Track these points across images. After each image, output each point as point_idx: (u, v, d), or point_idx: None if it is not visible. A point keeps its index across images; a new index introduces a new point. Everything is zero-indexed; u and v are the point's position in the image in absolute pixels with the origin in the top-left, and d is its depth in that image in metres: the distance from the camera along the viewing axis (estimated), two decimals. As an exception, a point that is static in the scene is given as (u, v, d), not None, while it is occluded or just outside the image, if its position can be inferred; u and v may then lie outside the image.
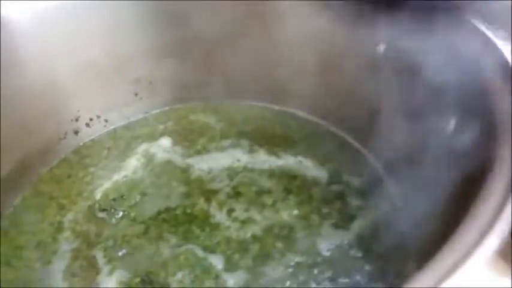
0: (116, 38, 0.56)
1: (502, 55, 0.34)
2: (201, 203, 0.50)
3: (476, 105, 0.33)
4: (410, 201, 0.47)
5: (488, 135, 0.30)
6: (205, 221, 0.48)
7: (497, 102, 0.31)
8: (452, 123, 0.37)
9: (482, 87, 0.33)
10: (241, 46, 0.60)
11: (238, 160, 0.55)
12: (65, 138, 0.57)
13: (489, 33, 0.36)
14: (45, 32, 0.49)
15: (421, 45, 0.42)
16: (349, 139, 0.57)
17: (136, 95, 0.62)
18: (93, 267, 0.43)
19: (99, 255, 0.44)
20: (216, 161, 0.55)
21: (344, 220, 0.47)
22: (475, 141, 0.34)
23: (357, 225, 0.46)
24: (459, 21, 0.38)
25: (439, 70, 0.40)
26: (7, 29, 0.45)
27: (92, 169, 0.55)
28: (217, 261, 0.43)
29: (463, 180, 0.34)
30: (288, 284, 0.41)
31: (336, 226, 0.46)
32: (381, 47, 0.47)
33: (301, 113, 0.62)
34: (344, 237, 0.45)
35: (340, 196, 0.49)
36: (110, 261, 0.44)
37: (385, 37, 0.46)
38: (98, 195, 0.51)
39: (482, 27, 0.37)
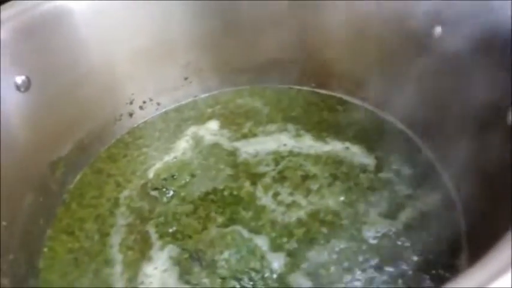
0: (166, 25, 0.57)
1: None
2: (247, 185, 0.51)
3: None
4: (464, 193, 0.45)
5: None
6: (251, 203, 0.49)
7: None
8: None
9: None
10: (287, 30, 0.60)
11: (285, 144, 0.55)
12: (120, 119, 0.60)
13: None
14: (103, 21, 0.51)
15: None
16: (401, 126, 0.55)
17: (186, 79, 0.64)
18: (146, 241, 0.46)
19: (152, 231, 0.47)
20: (262, 145, 0.56)
21: (392, 209, 0.46)
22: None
23: (405, 215, 0.45)
24: None
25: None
26: (71, 19, 0.48)
27: (145, 149, 0.58)
28: (262, 243, 0.44)
29: None
30: (332, 269, 0.41)
31: (383, 215, 0.45)
32: (437, 30, 0.45)
33: (349, 98, 0.61)
34: (391, 226, 0.44)
35: (389, 184, 0.48)
36: (161, 236, 0.46)
37: (441, 18, 0.44)
38: (151, 174, 0.54)
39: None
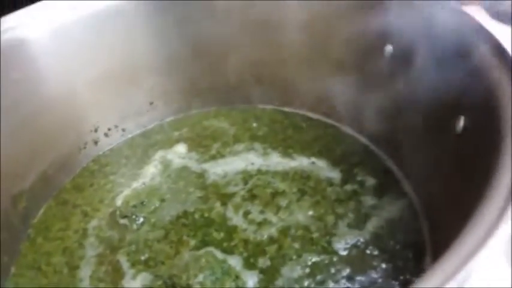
0: (128, 49, 0.58)
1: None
2: (218, 206, 0.51)
3: (481, 103, 0.34)
4: (424, 199, 0.47)
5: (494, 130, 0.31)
6: (222, 224, 0.49)
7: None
8: (462, 121, 0.37)
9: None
10: (250, 51, 0.62)
11: (252, 163, 0.57)
12: (85, 148, 0.59)
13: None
14: (61, 49, 0.51)
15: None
16: (362, 139, 0.58)
17: (151, 103, 0.64)
18: (117, 271, 0.45)
19: (123, 260, 0.46)
20: (231, 165, 0.57)
21: (359, 220, 0.47)
22: (485, 138, 0.34)
23: (372, 225, 0.47)
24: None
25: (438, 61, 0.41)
26: (27, 48, 0.48)
27: (112, 177, 0.57)
28: (236, 263, 0.44)
29: (477, 173, 0.35)
30: (306, 283, 0.42)
31: (351, 226, 0.47)
32: (389, 48, 0.48)
33: (313, 115, 0.63)
34: (360, 237, 0.46)
35: (354, 196, 0.50)
36: (133, 265, 0.45)
37: (393, 37, 0.47)
38: (119, 202, 0.53)
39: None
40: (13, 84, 0.46)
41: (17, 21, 0.47)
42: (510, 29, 0.34)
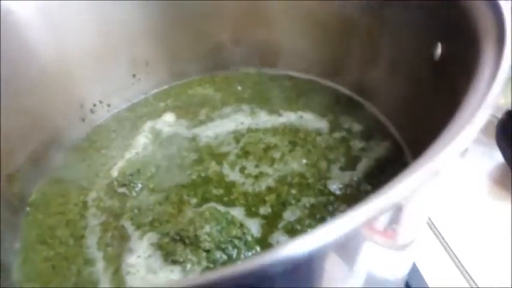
0: (108, 22, 0.57)
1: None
2: (214, 166, 0.52)
3: (459, 28, 0.36)
4: (409, 135, 0.50)
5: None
6: (220, 181, 0.50)
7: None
8: (438, 49, 0.40)
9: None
10: (230, 13, 0.62)
11: (242, 123, 0.58)
12: (73, 125, 0.59)
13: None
14: (44, 23, 0.50)
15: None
16: (344, 90, 0.60)
17: (134, 76, 0.64)
18: (123, 235, 0.46)
19: (127, 224, 0.47)
20: (221, 127, 0.58)
21: (350, 162, 0.50)
22: (463, 62, 0.36)
23: (363, 165, 0.49)
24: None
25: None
26: (11, 21, 0.47)
27: (103, 151, 0.57)
28: (238, 213, 0.46)
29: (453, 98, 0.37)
30: (306, 222, 0.44)
31: (343, 168, 0.49)
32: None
33: (295, 73, 0.65)
34: (352, 177, 0.48)
35: (343, 142, 0.52)
36: (138, 227, 0.46)
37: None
38: (115, 173, 0.53)
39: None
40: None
41: None
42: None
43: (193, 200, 0.49)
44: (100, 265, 0.44)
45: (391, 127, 0.53)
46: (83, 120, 0.60)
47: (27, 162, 0.52)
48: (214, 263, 0.42)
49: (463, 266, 0.51)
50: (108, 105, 0.63)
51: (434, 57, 0.39)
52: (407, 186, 0.23)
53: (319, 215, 0.45)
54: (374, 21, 0.49)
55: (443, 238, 0.55)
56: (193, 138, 0.57)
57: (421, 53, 0.41)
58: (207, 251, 0.42)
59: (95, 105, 0.61)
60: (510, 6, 0.36)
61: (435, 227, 0.56)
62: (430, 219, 0.57)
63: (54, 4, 0.50)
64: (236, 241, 0.43)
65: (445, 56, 0.38)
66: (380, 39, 0.50)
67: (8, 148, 0.49)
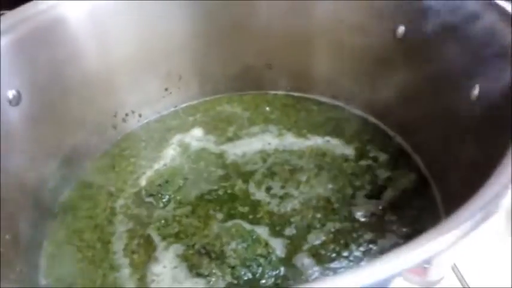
0: (147, 36, 0.60)
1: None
2: (240, 183, 0.54)
3: (495, 69, 0.37)
4: (436, 169, 0.51)
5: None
6: (246, 199, 0.51)
7: None
8: (474, 91, 0.41)
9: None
10: (262, 40, 0.64)
11: (269, 143, 0.59)
12: (105, 133, 0.61)
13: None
14: (94, 31, 0.52)
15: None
16: (371, 119, 0.61)
17: (166, 89, 0.66)
18: (149, 244, 0.47)
19: (154, 234, 0.48)
20: (248, 146, 0.59)
21: (375, 191, 0.51)
22: (499, 105, 0.38)
23: (388, 195, 0.50)
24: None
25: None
26: (64, 29, 0.49)
27: (132, 160, 0.59)
28: (263, 232, 0.47)
29: (489, 147, 0.38)
30: (331, 247, 0.45)
31: (369, 196, 0.50)
32: (401, 29, 0.51)
33: (322, 98, 0.66)
34: (377, 205, 0.49)
35: (369, 170, 0.53)
36: (164, 238, 0.47)
37: (403, 18, 0.50)
38: (143, 182, 0.55)
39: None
40: (43, 65, 0.48)
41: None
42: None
43: (219, 215, 0.50)
44: (126, 271, 0.44)
45: (418, 159, 0.53)
46: (115, 128, 0.62)
47: (61, 166, 0.54)
48: (238, 279, 0.42)
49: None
50: (140, 116, 0.65)
51: (471, 97, 0.40)
52: (442, 242, 0.24)
53: (343, 240, 0.46)
54: (411, 57, 0.51)
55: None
56: (221, 155, 0.58)
57: (458, 92, 0.42)
58: (232, 267, 0.43)
59: (127, 114, 0.63)
60: (511, 6, 0.37)
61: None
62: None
63: (105, 15, 0.53)
64: (261, 260, 0.43)
65: (483, 97, 0.39)
66: (416, 74, 0.51)
67: (44, 151, 0.51)
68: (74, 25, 0.50)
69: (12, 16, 0.46)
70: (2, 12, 0.46)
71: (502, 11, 0.39)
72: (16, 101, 0.46)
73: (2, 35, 0.44)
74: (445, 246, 0.24)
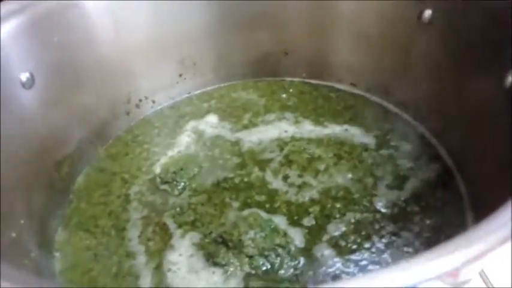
0: (160, 21, 0.58)
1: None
2: (256, 171, 0.52)
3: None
4: (460, 159, 0.49)
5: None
6: (263, 187, 0.50)
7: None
8: (508, 79, 0.39)
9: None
10: (278, 27, 0.62)
11: (286, 131, 0.58)
12: (118, 118, 0.60)
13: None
14: (106, 18, 0.51)
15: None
16: (392, 108, 0.59)
17: (180, 75, 0.64)
18: (165, 231, 0.46)
19: (169, 221, 0.47)
20: (264, 134, 0.58)
21: (397, 181, 0.49)
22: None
23: (411, 185, 0.48)
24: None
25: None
26: (77, 13, 0.48)
27: (146, 146, 0.58)
28: (281, 222, 0.46)
29: None
30: (352, 238, 0.43)
31: (390, 187, 0.48)
32: (427, 13, 0.49)
33: (340, 86, 0.64)
34: (400, 196, 0.47)
35: (391, 159, 0.52)
36: (180, 225, 0.46)
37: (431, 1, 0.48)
38: (158, 169, 0.54)
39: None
40: (57, 49, 0.47)
41: None
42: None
43: (236, 204, 0.48)
44: (141, 259, 0.44)
45: (442, 150, 0.51)
46: (128, 114, 0.61)
47: (75, 151, 0.53)
48: (256, 270, 0.41)
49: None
50: (153, 102, 0.63)
51: (503, 85, 0.38)
52: (470, 253, 0.22)
53: (364, 231, 0.44)
54: (438, 43, 0.48)
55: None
56: (237, 142, 0.57)
57: (489, 80, 0.40)
58: (250, 257, 0.41)
59: (140, 100, 0.62)
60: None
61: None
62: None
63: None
64: (280, 250, 0.42)
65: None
66: (442, 61, 0.49)
67: (58, 136, 0.50)
68: (89, 9, 0.49)
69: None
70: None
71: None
72: (30, 84, 0.45)
73: (15, 16, 0.42)
74: (480, 253, 0.22)
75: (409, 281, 0.21)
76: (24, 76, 0.44)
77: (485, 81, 0.42)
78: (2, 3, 0.43)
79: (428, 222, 0.44)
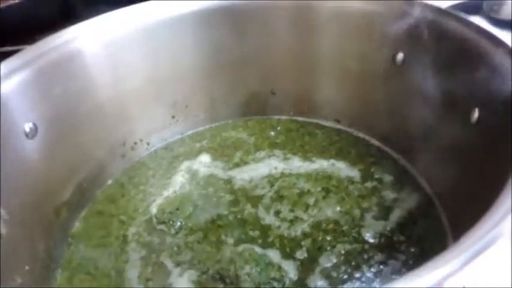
0: (155, 66, 0.62)
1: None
2: (249, 208, 0.55)
3: (491, 98, 0.40)
4: (437, 189, 0.52)
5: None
6: (256, 223, 0.53)
7: None
8: (473, 115, 0.43)
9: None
10: (265, 67, 0.67)
11: (275, 168, 0.61)
12: (114, 161, 0.62)
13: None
14: (106, 62, 0.54)
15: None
16: (374, 142, 0.63)
17: (173, 117, 0.68)
18: (163, 271, 0.48)
19: (167, 261, 0.49)
20: (255, 171, 0.61)
21: (383, 212, 0.52)
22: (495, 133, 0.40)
23: (395, 215, 0.51)
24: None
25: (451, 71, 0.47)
26: (79, 62, 0.51)
27: (142, 187, 0.60)
28: (275, 256, 0.48)
29: (490, 169, 0.39)
30: (343, 269, 0.46)
31: (377, 218, 0.51)
32: (399, 56, 0.54)
33: (325, 123, 0.68)
34: (386, 226, 0.50)
35: (375, 191, 0.55)
36: (178, 264, 0.48)
37: (403, 46, 0.53)
38: (154, 210, 0.56)
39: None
40: (59, 98, 0.50)
41: (75, 34, 0.51)
42: (510, 35, 0.40)
43: (231, 240, 0.50)
44: (141, 299, 0.45)
45: (422, 180, 0.55)
46: (123, 156, 0.63)
47: (74, 195, 0.55)
48: (253, 304, 0.43)
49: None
50: (147, 144, 0.66)
51: (470, 120, 0.42)
52: (451, 267, 0.25)
53: (354, 262, 0.46)
54: (409, 81, 0.53)
55: None
56: (229, 180, 0.60)
57: (458, 115, 0.44)
58: (247, 292, 0.43)
59: (135, 143, 0.65)
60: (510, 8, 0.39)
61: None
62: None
63: (117, 48, 0.55)
64: (275, 283, 0.44)
65: (482, 120, 0.41)
66: (413, 98, 0.53)
67: (58, 181, 0.52)
68: (89, 58, 0.52)
69: (30, 52, 0.48)
70: (22, 47, 0.47)
71: (499, 42, 0.42)
72: (33, 133, 0.47)
73: (20, 71, 0.46)
74: (455, 270, 0.25)
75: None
76: (27, 126, 0.47)
77: (454, 116, 0.46)
78: (7, 59, 0.46)
79: (413, 250, 0.47)
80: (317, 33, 0.62)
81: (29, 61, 0.47)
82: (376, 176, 0.57)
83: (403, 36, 0.51)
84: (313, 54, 0.64)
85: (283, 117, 0.70)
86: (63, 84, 0.50)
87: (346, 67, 0.62)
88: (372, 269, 0.45)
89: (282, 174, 0.59)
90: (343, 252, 0.48)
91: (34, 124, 0.47)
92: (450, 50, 0.46)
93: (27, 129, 0.47)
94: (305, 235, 0.50)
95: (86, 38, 0.52)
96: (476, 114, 0.42)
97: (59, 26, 0.52)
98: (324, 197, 0.55)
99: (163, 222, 0.54)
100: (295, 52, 0.64)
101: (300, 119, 0.70)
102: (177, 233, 0.52)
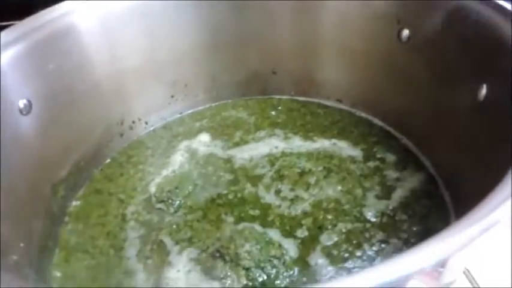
0: (154, 44, 0.60)
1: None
2: (249, 187, 0.54)
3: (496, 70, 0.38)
4: (443, 169, 0.51)
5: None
6: (256, 202, 0.52)
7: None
8: (482, 91, 0.42)
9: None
10: (266, 46, 0.65)
11: (276, 147, 0.60)
12: (112, 140, 0.61)
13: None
14: (103, 40, 0.53)
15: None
16: (377, 122, 0.62)
17: (172, 96, 0.66)
18: (163, 249, 0.47)
19: (167, 239, 0.48)
20: (255, 150, 0.60)
21: (385, 191, 0.51)
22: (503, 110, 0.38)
23: (398, 195, 0.51)
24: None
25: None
26: (75, 38, 0.50)
27: (140, 167, 0.59)
28: (275, 235, 0.47)
29: (496, 146, 0.38)
30: (344, 247, 0.45)
31: (379, 197, 0.51)
32: (405, 32, 0.52)
33: (327, 102, 0.67)
34: (388, 205, 0.49)
35: (378, 171, 0.54)
36: (177, 242, 0.47)
37: (409, 22, 0.51)
38: (153, 188, 0.55)
39: None
40: (54, 74, 0.48)
41: (70, 7, 0.50)
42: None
43: (230, 219, 0.50)
44: (140, 277, 0.45)
45: (425, 160, 0.54)
46: (121, 135, 0.62)
47: (71, 174, 0.54)
48: (252, 281, 0.42)
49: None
50: (146, 123, 0.65)
51: (478, 98, 0.41)
52: (455, 243, 0.24)
53: (355, 240, 0.46)
54: (415, 60, 0.52)
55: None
56: (229, 160, 0.59)
57: (465, 92, 0.43)
58: (247, 269, 0.43)
59: (134, 122, 0.64)
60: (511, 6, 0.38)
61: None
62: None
63: (114, 24, 0.54)
64: (275, 261, 0.44)
65: (490, 97, 0.40)
66: (421, 76, 0.52)
67: (54, 159, 0.51)
68: (84, 34, 0.51)
69: (23, 26, 0.46)
70: (12, 22, 0.46)
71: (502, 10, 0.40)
72: (27, 110, 0.46)
73: (14, 45, 0.44)
74: (458, 247, 0.24)
75: (389, 277, 0.23)
76: (21, 103, 0.45)
77: (461, 94, 0.44)
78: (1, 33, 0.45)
79: (415, 229, 0.46)
80: (319, 10, 0.61)
81: (22, 35, 0.45)
82: (379, 156, 0.56)
83: (409, 11, 0.50)
84: (314, 33, 0.63)
85: (284, 97, 0.69)
86: (58, 60, 0.48)
87: (349, 45, 0.61)
88: (374, 248, 0.45)
89: (283, 154, 0.58)
90: (344, 231, 0.47)
91: (28, 101, 0.46)
92: (458, 24, 0.44)
93: (22, 106, 0.45)
94: (306, 214, 0.50)
95: (81, 13, 0.50)
96: (484, 90, 0.40)
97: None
98: (325, 177, 0.54)
99: (163, 201, 0.53)
100: (296, 31, 0.63)
101: (301, 98, 0.68)
102: (176, 211, 0.52)
